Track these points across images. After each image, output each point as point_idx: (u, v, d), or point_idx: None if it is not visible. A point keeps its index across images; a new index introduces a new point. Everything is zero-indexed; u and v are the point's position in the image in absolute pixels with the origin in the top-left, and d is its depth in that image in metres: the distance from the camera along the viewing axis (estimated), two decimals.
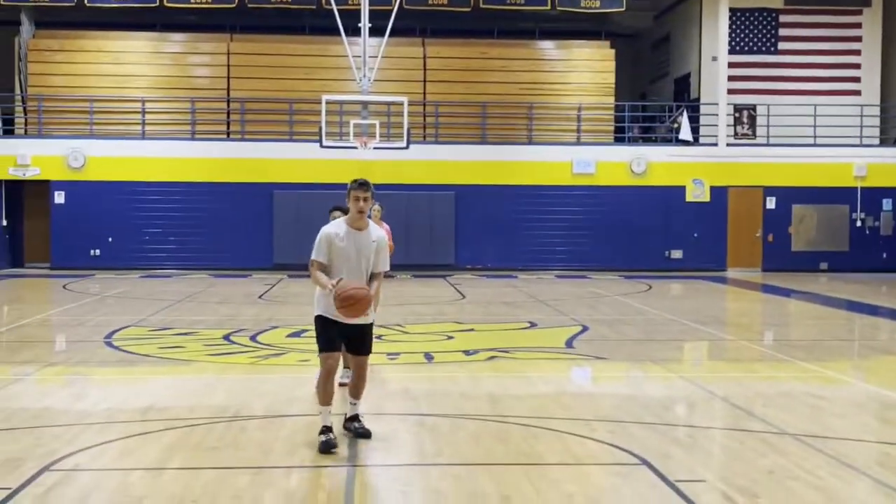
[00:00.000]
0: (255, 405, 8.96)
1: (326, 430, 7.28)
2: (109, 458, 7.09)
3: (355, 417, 7.70)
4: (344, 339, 7.53)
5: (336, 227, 7.48)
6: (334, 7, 23.45)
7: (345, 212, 8.30)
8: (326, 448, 7.13)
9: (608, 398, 9.69)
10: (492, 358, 11.97)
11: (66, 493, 6.13)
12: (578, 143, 27.79)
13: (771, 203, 27.64)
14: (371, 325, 7.66)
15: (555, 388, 10.25)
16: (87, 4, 27.09)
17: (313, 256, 7.39)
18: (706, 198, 27.41)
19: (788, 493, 6.26)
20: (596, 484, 6.48)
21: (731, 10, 28.10)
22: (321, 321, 7.49)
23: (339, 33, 23.65)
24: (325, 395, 7.38)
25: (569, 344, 13.23)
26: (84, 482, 6.40)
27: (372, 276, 7.53)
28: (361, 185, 7.43)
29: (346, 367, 8.76)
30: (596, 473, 6.75)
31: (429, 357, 12.03)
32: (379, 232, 7.63)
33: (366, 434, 7.57)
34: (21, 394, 9.72)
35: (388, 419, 8.38)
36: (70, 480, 6.42)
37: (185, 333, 14.03)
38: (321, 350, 7.47)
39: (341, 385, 8.56)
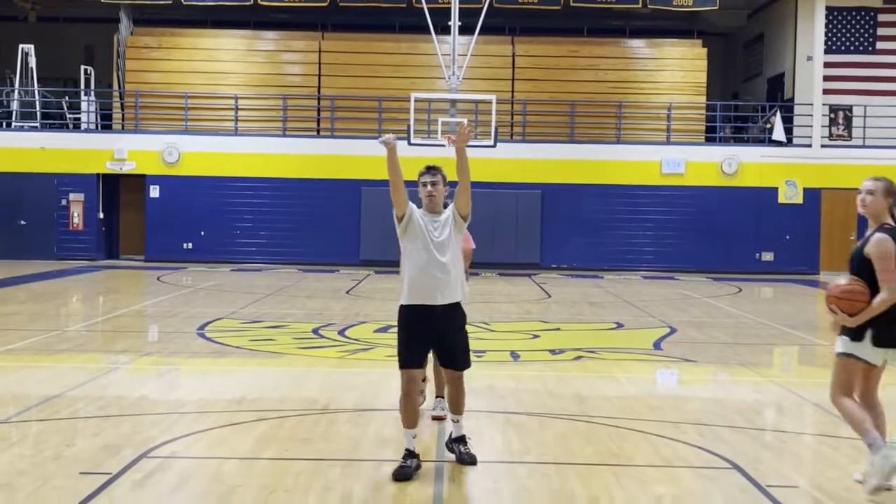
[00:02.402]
0: (345, 399, 9.08)
1: (408, 454, 6.54)
2: (204, 447, 7.26)
3: (461, 439, 6.89)
4: (434, 345, 6.74)
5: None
6: (424, 5, 23.61)
7: None
8: (401, 476, 6.38)
9: (697, 401, 9.59)
10: (578, 358, 11.94)
11: (163, 480, 6.30)
12: (668, 142, 27.49)
13: None
14: (462, 324, 6.82)
15: (642, 389, 10.19)
16: (184, 3, 27.67)
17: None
18: (799, 200, 26.89)
19: (883, 502, 6.13)
20: (685, 486, 6.43)
21: (827, 8, 27.51)
22: (403, 329, 6.70)
23: (429, 31, 23.79)
24: (406, 417, 6.65)
25: (657, 346, 13.12)
26: (180, 469, 6.56)
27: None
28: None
29: (439, 395, 8.13)
30: (685, 476, 6.69)
31: (515, 355, 12.05)
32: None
33: (471, 461, 6.75)
34: (117, 382, 10.00)
35: (474, 416, 8.41)
36: (167, 467, 6.59)
37: (276, 326, 14.26)
38: (400, 365, 6.68)
39: (436, 419, 7.98)
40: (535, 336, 13.88)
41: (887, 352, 6.26)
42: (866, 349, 6.27)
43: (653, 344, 13.24)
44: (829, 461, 7.14)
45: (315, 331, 13.81)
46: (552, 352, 12.40)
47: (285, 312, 16.09)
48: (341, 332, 13.67)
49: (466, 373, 10.74)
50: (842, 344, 6.36)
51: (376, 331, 13.93)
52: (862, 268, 6.27)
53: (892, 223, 6.29)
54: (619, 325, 15.33)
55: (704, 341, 13.70)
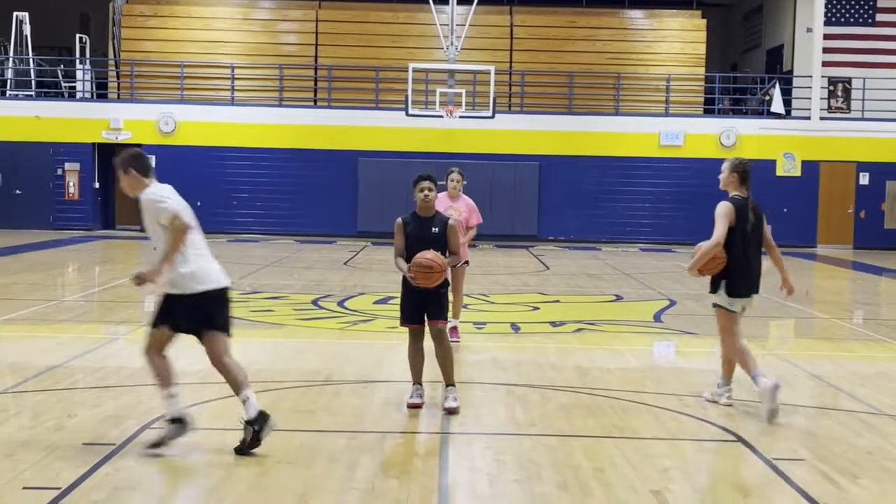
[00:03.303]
0: (347, 370, 9.06)
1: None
2: (207, 418, 7.22)
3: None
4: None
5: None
6: None
7: (433, 180, 7.71)
8: None
9: (699, 373, 9.57)
10: (579, 330, 11.92)
11: (166, 450, 6.26)
12: (666, 114, 27.40)
13: (864, 179, 26.97)
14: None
15: (644, 362, 10.19)
16: None
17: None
18: (797, 172, 26.85)
19: (890, 474, 6.13)
20: (691, 459, 6.42)
21: None
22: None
23: (426, 1, 23.62)
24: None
25: (657, 318, 13.11)
26: (183, 440, 6.51)
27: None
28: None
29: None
30: (691, 449, 6.68)
31: (515, 327, 12.03)
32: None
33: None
34: (118, 353, 9.95)
35: (478, 387, 8.41)
36: None
37: (275, 297, 14.23)
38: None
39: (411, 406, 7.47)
40: (535, 308, 13.87)
41: (742, 301, 7.45)
42: (723, 298, 7.45)
43: (653, 316, 13.24)
44: (833, 434, 7.13)
45: (314, 302, 13.78)
46: (552, 324, 12.39)
47: (284, 283, 16.05)
48: (341, 304, 13.64)
49: (468, 343, 10.72)
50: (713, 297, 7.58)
51: (375, 302, 13.90)
52: None
53: (742, 195, 7.44)
54: (619, 298, 15.31)
55: (704, 314, 13.61)
